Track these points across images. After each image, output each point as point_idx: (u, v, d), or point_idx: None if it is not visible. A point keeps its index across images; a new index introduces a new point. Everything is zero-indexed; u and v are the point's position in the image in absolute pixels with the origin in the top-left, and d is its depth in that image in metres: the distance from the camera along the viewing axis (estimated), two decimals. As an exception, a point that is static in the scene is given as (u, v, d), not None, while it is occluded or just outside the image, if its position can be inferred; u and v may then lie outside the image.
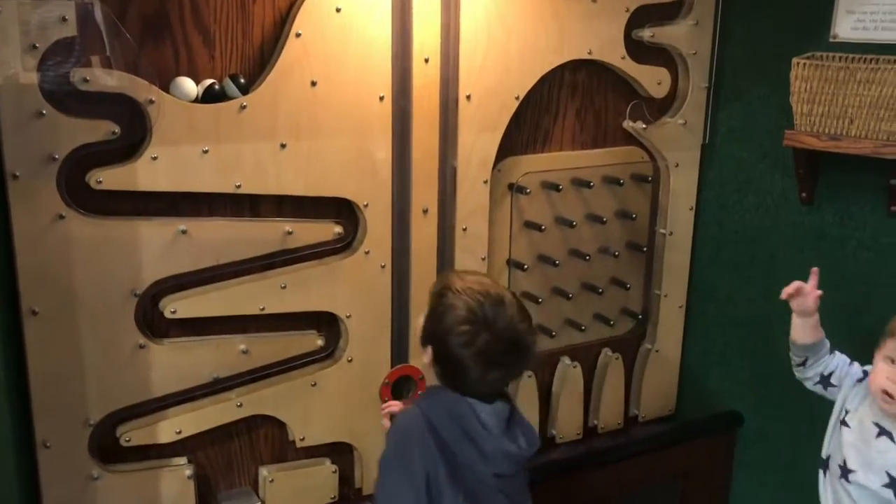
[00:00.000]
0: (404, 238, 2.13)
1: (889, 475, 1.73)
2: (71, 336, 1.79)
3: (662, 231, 2.58)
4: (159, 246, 1.84)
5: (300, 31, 1.88)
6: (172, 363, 1.92)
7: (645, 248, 2.57)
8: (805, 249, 2.45)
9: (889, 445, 1.75)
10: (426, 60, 2.04)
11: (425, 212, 2.14)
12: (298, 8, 1.88)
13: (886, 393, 1.73)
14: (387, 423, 1.85)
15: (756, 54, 2.44)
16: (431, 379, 1.67)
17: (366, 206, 2.05)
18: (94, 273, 1.78)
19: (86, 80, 1.68)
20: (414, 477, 1.56)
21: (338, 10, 1.90)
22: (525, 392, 2.44)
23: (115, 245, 1.79)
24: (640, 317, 2.64)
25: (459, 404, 1.59)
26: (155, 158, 1.79)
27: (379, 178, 2.06)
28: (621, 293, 2.57)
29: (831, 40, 2.27)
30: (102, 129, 1.73)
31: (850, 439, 1.82)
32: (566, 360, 2.53)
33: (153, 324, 1.91)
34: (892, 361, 1.75)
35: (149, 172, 1.79)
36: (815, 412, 2.53)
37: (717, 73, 2.50)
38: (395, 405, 1.93)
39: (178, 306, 1.89)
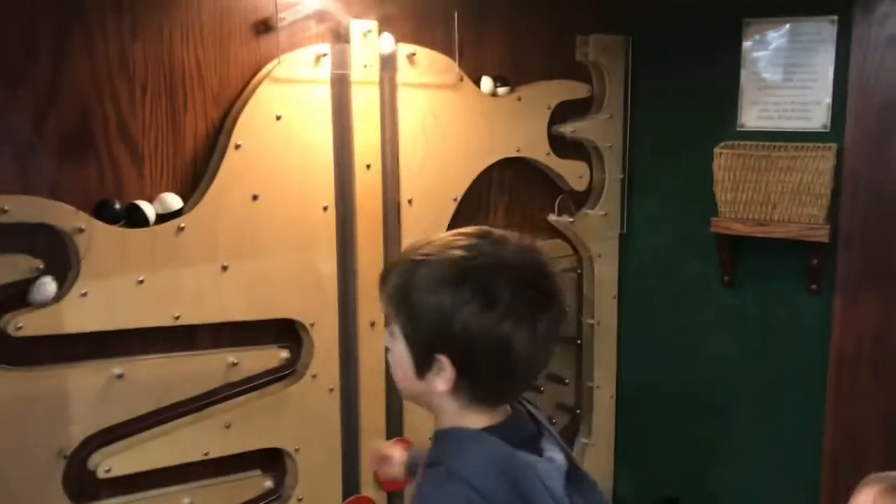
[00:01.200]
0: (352, 356, 1.97)
1: None
2: (-15, 516, 1.48)
3: (590, 321, 2.56)
4: (91, 395, 1.58)
5: (240, 142, 1.71)
6: (108, 532, 1.63)
7: (579, 341, 2.54)
8: (729, 330, 2.51)
9: None
10: (368, 167, 1.93)
11: (372, 325, 1.99)
12: (236, 117, 1.72)
13: None
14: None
15: (666, 145, 2.51)
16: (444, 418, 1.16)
17: (312, 325, 1.88)
18: (15, 436, 1.49)
19: (3, 211, 1.43)
20: None
21: (278, 118, 1.76)
22: None
23: (39, 401, 1.51)
24: (577, 411, 2.59)
25: (514, 460, 1.09)
26: (84, 295, 1.54)
27: (325, 294, 1.90)
28: (559, 389, 2.51)
29: (739, 129, 2.37)
30: (25, 266, 1.47)
31: None
32: (510, 466, 2.41)
33: (82, 486, 1.62)
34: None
35: (77, 311, 1.54)
36: (749, 489, 2.57)
37: (631, 164, 2.55)
38: (391, 454, 1.54)
39: (112, 463, 1.62)
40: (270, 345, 1.86)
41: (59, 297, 1.52)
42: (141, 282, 1.61)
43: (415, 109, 2.00)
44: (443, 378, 1.10)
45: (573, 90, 2.37)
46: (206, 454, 1.74)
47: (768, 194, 2.22)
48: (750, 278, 2.44)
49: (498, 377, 1.11)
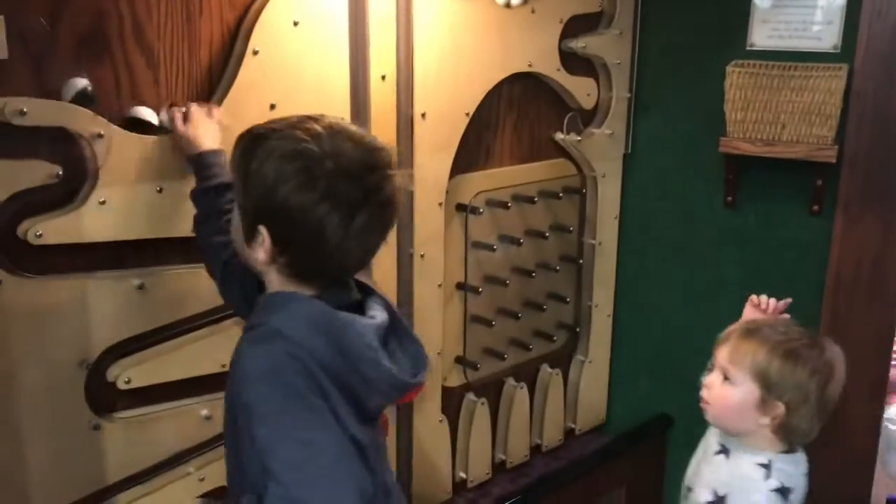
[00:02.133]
0: (365, 270, 1.96)
1: (714, 492, 1.66)
2: (10, 423, 1.46)
3: (592, 242, 2.57)
4: (112, 306, 1.55)
5: (257, 49, 1.65)
6: (129, 442, 1.62)
7: (581, 261, 2.55)
8: (729, 252, 2.53)
9: (722, 462, 1.70)
10: (383, 77, 1.88)
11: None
12: (252, 23, 1.66)
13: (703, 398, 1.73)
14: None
15: (674, 64, 2.49)
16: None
17: (327, 240, 1.85)
18: (36, 345, 1.46)
19: (22, 113, 1.37)
20: (318, 412, 1.16)
21: (295, 24, 1.70)
22: (479, 419, 2.34)
23: (60, 310, 1.48)
24: (577, 329, 2.62)
25: (333, 317, 1.19)
26: (103, 203, 1.50)
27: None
28: (561, 307, 2.53)
29: (748, 48, 2.35)
30: (43, 172, 1.43)
31: (697, 457, 1.81)
32: (511, 382, 2.45)
33: (103, 397, 1.60)
34: (711, 369, 1.74)
35: (97, 220, 1.50)
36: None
37: (638, 84, 2.52)
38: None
39: (132, 374, 1.60)
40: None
41: (77, 205, 1.48)
42: (160, 191, 1.57)
43: (430, 20, 1.94)
44: (263, 248, 1.21)
45: (585, 3, 2.33)
46: (223, 366, 1.72)
47: (778, 114, 2.22)
48: (753, 199, 2.45)
49: (310, 257, 1.21)
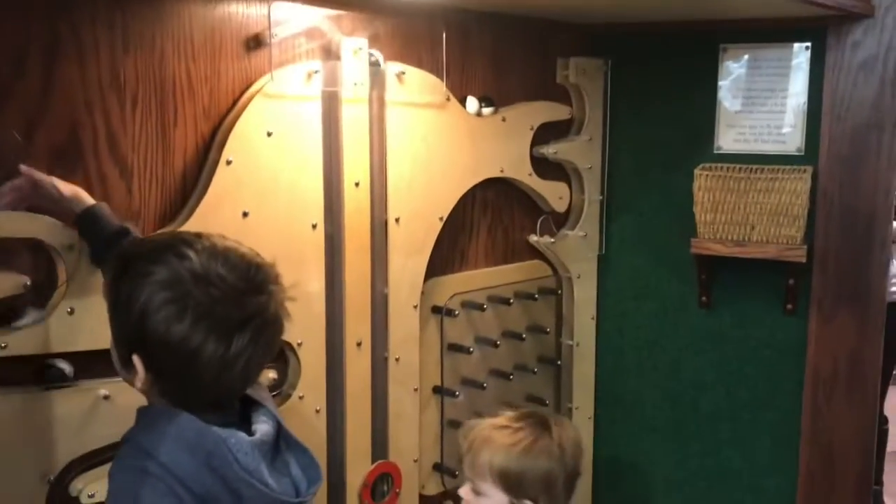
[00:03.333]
0: (338, 376, 1.94)
1: None
2: (-34, 544, 1.41)
3: (569, 342, 2.57)
4: (77, 417, 1.52)
5: (231, 158, 1.68)
6: (91, 560, 1.57)
7: (559, 362, 2.54)
8: (706, 351, 2.53)
9: None
10: (357, 184, 1.91)
11: (359, 345, 1.96)
12: (227, 133, 1.69)
13: None
14: None
15: (644, 167, 2.55)
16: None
17: (299, 344, 1.84)
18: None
19: (-8, 225, 1.38)
20: None
21: (269, 135, 1.74)
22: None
23: (24, 423, 1.45)
24: (557, 433, 2.58)
25: (206, 435, 1.15)
26: (71, 312, 1.49)
27: (312, 313, 1.87)
28: (540, 410, 2.50)
29: (716, 152, 2.42)
30: (10, 283, 1.42)
31: None
32: (491, 488, 2.40)
33: (65, 513, 1.56)
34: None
35: (64, 329, 1.48)
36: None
37: (609, 186, 2.57)
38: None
39: (96, 488, 1.55)
40: (258, 365, 1.82)
41: (45, 315, 1.47)
42: (129, 300, 1.56)
43: (403, 128, 1.99)
44: (138, 377, 1.19)
45: (555, 111, 2.40)
46: (192, 478, 1.69)
47: (747, 215, 2.26)
48: (727, 299, 2.47)
49: (188, 385, 1.17)
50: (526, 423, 1.75)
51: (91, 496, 1.55)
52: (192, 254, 1.16)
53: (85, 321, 1.51)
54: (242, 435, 1.20)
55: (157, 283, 1.13)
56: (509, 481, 1.67)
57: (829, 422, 2.40)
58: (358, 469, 2.00)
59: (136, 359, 1.17)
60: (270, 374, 1.82)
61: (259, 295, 1.18)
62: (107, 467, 1.53)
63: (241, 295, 1.16)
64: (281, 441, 1.28)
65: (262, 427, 1.24)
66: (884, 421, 3.63)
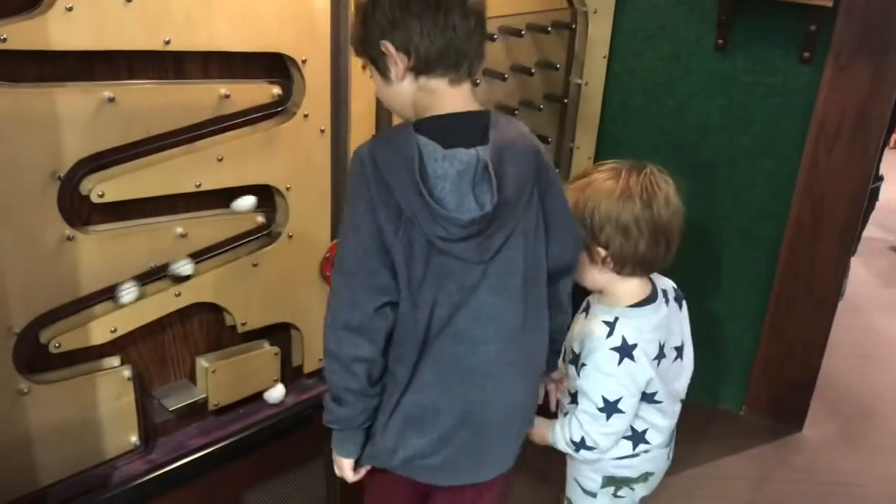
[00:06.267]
0: (343, 98, 1.92)
1: (572, 350, 1.75)
2: (-17, 232, 1.47)
3: (578, 81, 2.53)
4: (83, 117, 1.52)
5: None
6: (104, 254, 1.64)
7: (566, 101, 2.51)
8: (715, 96, 2.50)
9: (581, 320, 1.78)
10: None
11: (364, 67, 1.92)
12: None
13: None
14: None
15: None
16: None
17: (304, 62, 1.81)
18: (7, 154, 1.45)
19: None
20: (360, 219, 1.37)
21: None
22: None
23: (29, 118, 1.46)
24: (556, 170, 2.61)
25: (408, 142, 1.35)
26: (70, 9, 1.44)
27: (317, 30, 1.81)
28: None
29: None
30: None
31: None
32: (488, 219, 2.47)
33: (77, 211, 1.61)
34: None
35: (63, 27, 1.44)
36: (714, 253, 2.69)
37: (636, -87, 2.41)
38: None
39: (105, 188, 1.60)
40: (261, 80, 1.80)
41: (43, 10, 1.42)
42: (129, 0, 1.51)
43: None
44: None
45: None
46: (198, 185, 1.73)
47: (778, -48, 2.14)
48: (744, 44, 2.41)
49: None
50: (622, 169, 1.68)
51: (101, 195, 1.59)
52: None
53: (84, 19, 1.46)
54: (440, 151, 1.35)
55: None
56: (583, 225, 1.63)
57: (825, 174, 2.43)
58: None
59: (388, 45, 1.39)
60: (274, 90, 1.80)
61: None
62: (115, 169, 1.59)
63: None
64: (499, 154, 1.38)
65: (465, 150, 1.36)
66: (878, 178, 3.68)
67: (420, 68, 1.37)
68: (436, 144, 1.35)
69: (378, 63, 1.42)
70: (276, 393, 2.05)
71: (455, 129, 1.38)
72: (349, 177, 1.42)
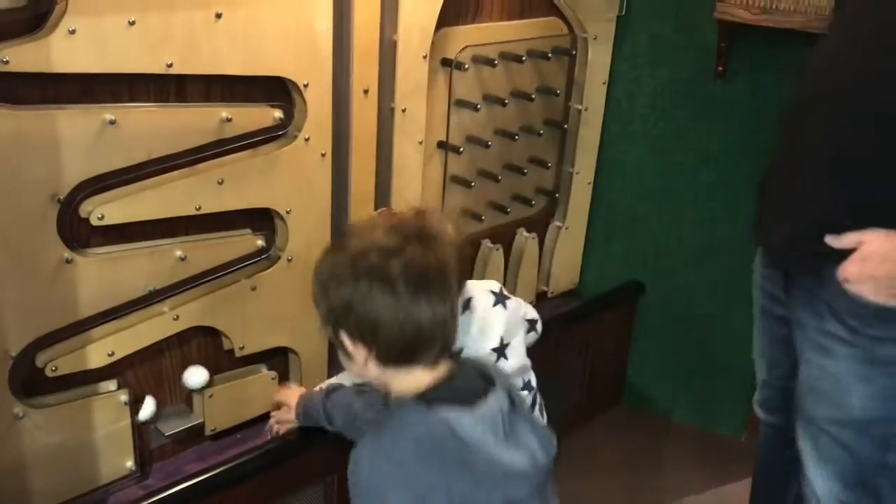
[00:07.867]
0: (344, 122, 1.93)
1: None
2: (-19, 255, 1.46)
3: (578, 107, 2.53)
4: (84, 140, 1.52)
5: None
6: (103, 277, 1.63)
7: (566, 126, 2.52)
8: (715, 122, 2.51)
9: None
10: (370, -80, 1.79)
11: (366, 92, 1.93)
12: None
13: None
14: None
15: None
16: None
17: (306, 86, 1.81)
18: (8, 176, 1.45)
19: (-17, -71, 1.30)
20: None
21: None
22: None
23: (30, 141, 1.45)
24: (556, 195, 2.62)
25: (432, 428, 1.17)
26: (73, 32, 1.44)
27: (319, 54, 1.81)
28: (542, 172, 2.52)
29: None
30: (8, -3, 1.37)
31: None
32: (488, 244, 2.47)
33: (76, 233, 1.60)
34: None
35: (66, 49, 1.45)
36: (714, 278, 2.68)
37: (636, -58, 2.42)
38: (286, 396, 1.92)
39: (105, 211, 1.59)
40: (262, 103, 1.80)
41: (46, 33, 1.42)
42: (132, 23, 1.51)
43: None
44: (350, 347, 1.25)
45: None
46: (198, 208, 1.73)
47: (777, -20, 2.15)
48: (744, 71, 2.41)
49: (400, 355, 1.23)
50: None
51: (100, 218, 1.59)
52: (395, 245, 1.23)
53: (87, 42, 1.46)
54: (464, 412, 1.19)
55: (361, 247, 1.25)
56: None
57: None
58: (361, 215, 2.03)
59: (341, 333, 1.27)
60: (276, 114, 1.80)
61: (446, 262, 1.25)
62: (115, 191, 1.58)
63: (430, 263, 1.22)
64: (515, 416, 1.25)
65: (490, 401, 1.22)
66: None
67: (383, 360, 1.24)
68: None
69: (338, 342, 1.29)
70: (274, 418, 2.03)
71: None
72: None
